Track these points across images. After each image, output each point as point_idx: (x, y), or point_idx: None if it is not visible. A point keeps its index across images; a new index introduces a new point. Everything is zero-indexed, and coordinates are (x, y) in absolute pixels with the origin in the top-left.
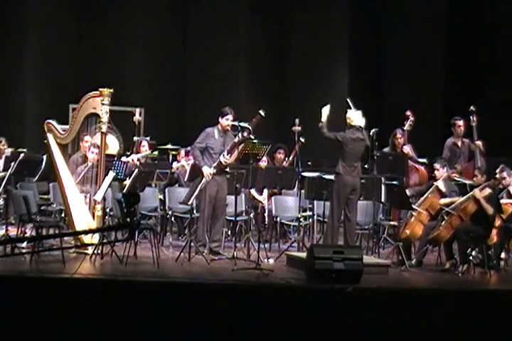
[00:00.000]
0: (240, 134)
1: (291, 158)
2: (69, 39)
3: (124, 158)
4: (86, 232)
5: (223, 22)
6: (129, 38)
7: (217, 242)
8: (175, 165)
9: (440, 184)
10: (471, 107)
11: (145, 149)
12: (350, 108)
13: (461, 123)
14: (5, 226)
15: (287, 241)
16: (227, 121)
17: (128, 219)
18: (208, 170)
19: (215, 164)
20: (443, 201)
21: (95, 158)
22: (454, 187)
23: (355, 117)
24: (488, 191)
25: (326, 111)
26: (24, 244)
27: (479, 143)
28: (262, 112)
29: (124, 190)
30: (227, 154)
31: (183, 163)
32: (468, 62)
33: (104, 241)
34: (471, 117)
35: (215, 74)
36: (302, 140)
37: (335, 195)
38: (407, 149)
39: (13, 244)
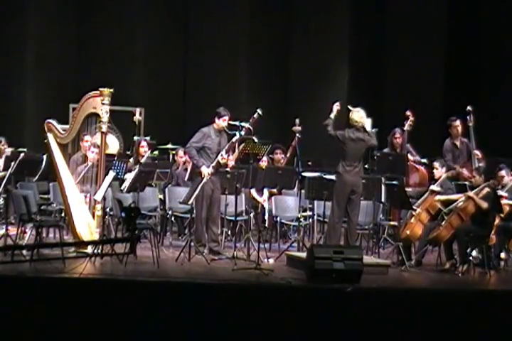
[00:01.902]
0: (237, 133)
1: (288, 155)
2: (69, 39)
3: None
4: (87, 243)
5: (224, 22)
6: (129, 38)
7: (216, 242)
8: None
9: (434, 187)
10: (468, 107)
11: (144, 150)
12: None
13: (457, 123)
14: (5, 225)
15: (287, 241)
16: (224, 122)
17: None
18: (206, 170)
19: (213, 164)
20: (438, 197)
21: (95, 157)
22: (449, 185)
23: (357, 117)
24: (486, 190)
25: (336, 107)
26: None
27: (477, 152)
28: (259, 111)
29: (125, 190)
30: (225, 154)
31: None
32: (468, 62)
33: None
34: (468, 117)
35: (215, 74)
36: (299, 136)
37: (335, 194)
38: (411, 158)
39: (13, 251)
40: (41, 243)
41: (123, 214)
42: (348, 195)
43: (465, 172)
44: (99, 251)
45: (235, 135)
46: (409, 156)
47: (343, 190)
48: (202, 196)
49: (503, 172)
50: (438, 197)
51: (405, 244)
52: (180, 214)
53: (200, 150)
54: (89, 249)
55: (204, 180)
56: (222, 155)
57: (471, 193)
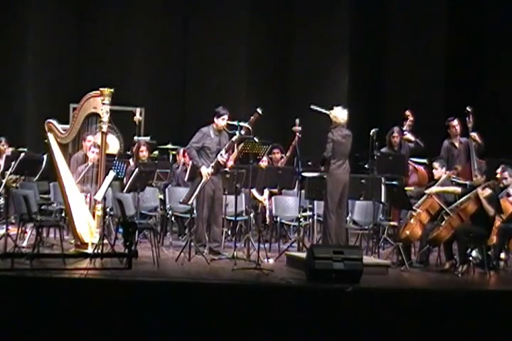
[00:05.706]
0: (237, 132)
1: (288, 155)
2: (69, 39)
3: None
4: (86, 255)
5: (224, 21)
6: (129, 38)
7: (217, 242)
8: None
9: (429, 191)
10: (467, 108)
11: (143, 155)
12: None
13: (455, 123)
14: (5, 225)
15: (287, 241)
16: (223, 121)
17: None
18: (206, 170)
19: (212, 164)
20: (433, 190)
21: (96, 157)
22: (451, 186)
23: (341, 115)
24: (488, 191)
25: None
26: (25, 243)
27: (474, 134)
28: (259, 110)
29: (125, 190)
30: (225, 153)
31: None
32: (468, 61)
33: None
34: (467, 118)
35: (215, 74)
36: (299, 135)
37: (329, 193)
38: (408, 135)
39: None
40: (42, 253)
41: (120, 230)
42: (341, 193)
43: (458, 179)
44: (100, 251)
45: (235, 134)
46: None
47: (336, 188)
48: (203, 196)
49: (506, 174)
50: (433, 188)
51: (405, 245)
52: (180, 214)
53: (199, 150)
54: (90, 249)
55: (203, 180)
56: (221, 154)
57: (481, 195)
